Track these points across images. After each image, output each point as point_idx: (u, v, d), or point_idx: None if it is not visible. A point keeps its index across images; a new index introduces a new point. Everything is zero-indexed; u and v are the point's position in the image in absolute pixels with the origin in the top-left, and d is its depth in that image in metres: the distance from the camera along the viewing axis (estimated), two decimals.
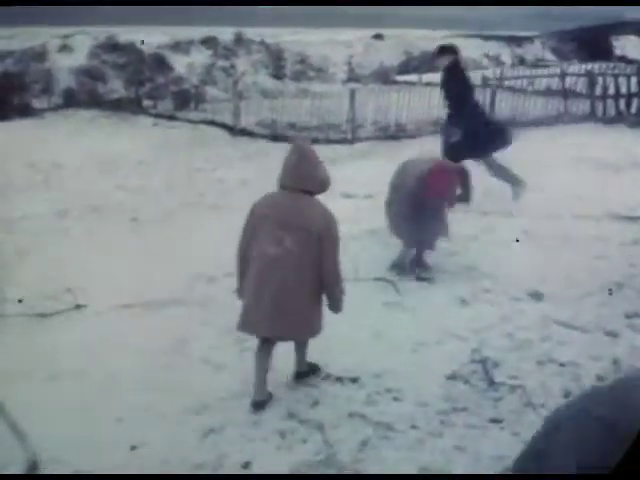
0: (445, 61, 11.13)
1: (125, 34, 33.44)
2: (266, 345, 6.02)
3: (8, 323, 7.66)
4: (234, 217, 11.43)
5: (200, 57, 32.87)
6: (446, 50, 11.28)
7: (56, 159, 15.98)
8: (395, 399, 6.03)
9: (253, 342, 6.73)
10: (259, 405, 5.96)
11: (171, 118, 23.19)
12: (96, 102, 26.22)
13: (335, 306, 5.99)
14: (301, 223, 5.69)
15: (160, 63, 30.88)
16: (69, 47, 30.98)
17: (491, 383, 6.24)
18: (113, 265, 9.21)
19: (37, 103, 26.44)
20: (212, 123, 21.64)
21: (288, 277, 5.69)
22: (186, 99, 26.56)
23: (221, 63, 33.06)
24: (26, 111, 24.70)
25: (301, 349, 6.32)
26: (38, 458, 5.13)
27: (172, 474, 5.13)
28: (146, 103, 26.78)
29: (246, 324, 5.91)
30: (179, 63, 31.32)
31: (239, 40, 35.81)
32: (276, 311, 5.72)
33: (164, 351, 6.95)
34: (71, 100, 26.86)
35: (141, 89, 28.35)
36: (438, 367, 6.52)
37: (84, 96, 27.32)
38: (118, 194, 13.45)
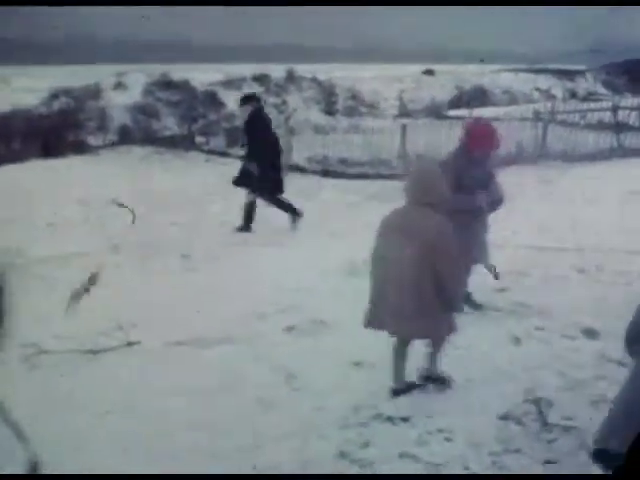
0: (247, 109, 12.63)
1: (178, 72, 33.88)
2: (401, 342, 6.68)
3: (59, 359, 7.71)
4: (285, 254, 11.59)
5: None
6: (248, 100, 12.84)
7: (110, 195, 16.14)
8: (446, 439, 5.96)
9: (303, 381, 6.74)
10: (397, 392, 6.68)
11: (223, 154, 23.39)
12: (150, 139, 26.57)
13: (454, 307, 6.52)
14: (419, 232, 6.19)
15: (212, 100, 31.21)
16: (124, 85, 31.48)
17: (545, 424, 6.14)
18: (164, 302, 9.26)
19: (92, 140, 26.86)
20: None
21: (408, 280, 6.21)
22: (239, 135, 26.75)
23: (273, 100, 33.33)
24: (81, 148, 25.11)
25: (433, 353, 6.80)
26: (39, 459, 5.10)
27: (172, 474, 5.11)
28: (199, 140, 27.05)
29: (372, 321, 6.57)
30: (231, 100, 31.58)
31: (290, 77, 36.12)
32: (398, 310, 6.32)
33: (214, 389, 6.93)
34: (125, 137, 27.24)
35: (194, 126, 28.66)
36: (490, 407, 6.43)
37: (138, 133, 27.69)
38: (170, 230, 13.57)
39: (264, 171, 13.04)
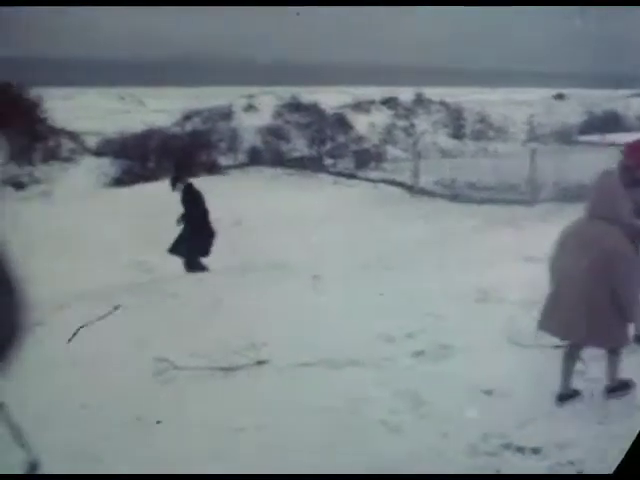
0: (180, 187, 13.93)
1: (307, 94, 34.31)
2: (573, 348, 6.92)
3: (191, 375, 7.88)
4: (411, 278, 11.58)
5: (380, 117, 33.32)
6: (176, 180, 14.15)
7: (240, 215, 16.47)
8: (578, 472, 5.84)
9: (430, 407, 6.72)
10: (563, 398, 6.88)
11: (351, 177, 23.57)
12: (279, 160, 26.97)
13: (629, 317, 6.58)
14: (596, 246, 6.39)
15: (341, 122, 31.48)
16: (254, 107, 32.07)
17: None
18: (295, 322, 9.37)
19: (223, 160, 27.43)
20: (391, 182, 21.83)
21: (582, 289, 6.42)
22: (366, 158, 26.95)
23: (401, 123, 33.40)
24: (212, 168, 25.68)
25: (612, 362, 6.84)
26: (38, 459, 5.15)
27: (172, 474, 5.13)
28: (327, 161, 27.33)
29: (545, 325, 6.90)
30: (360, 123, 31.82)
31: (419, 100, 36.13)
32: (570, 317, 6.53)
33: (340, 410, 6.97)
34: (255, 158, 27.74)
35: (322, 148, 28.97)
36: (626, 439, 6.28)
37: (268, 154, 28.16)
38: (300, 251, 13.72)
39: (194, 237, 13.64)
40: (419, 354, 8.39)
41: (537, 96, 49.81)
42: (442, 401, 7.04)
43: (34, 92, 26.99)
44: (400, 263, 12.65)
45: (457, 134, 34.68)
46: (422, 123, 33.90)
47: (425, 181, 21.00)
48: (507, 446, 6.24)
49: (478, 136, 34.83)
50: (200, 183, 22.06)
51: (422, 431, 6.23)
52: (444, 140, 32.54)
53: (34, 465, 4.23)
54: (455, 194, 20.14)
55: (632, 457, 2.17)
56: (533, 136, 36.44)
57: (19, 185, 22.99)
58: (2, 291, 2.53)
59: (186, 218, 13.71)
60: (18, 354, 2.59)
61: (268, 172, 24.58)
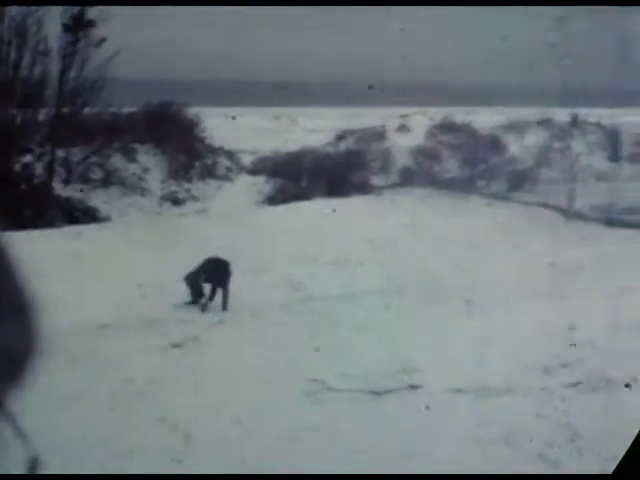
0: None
1: (461, 114, 34.05)
2: None
3: (341, 397, 7.90)
4: (568, 305, 11.28)
5: (535, 138, 32.71)
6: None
7: (392, 236, 16.46)
8: None
9: (588, 442, 6.51)
10: None
11: (504, 199, 23.23)
12: (431, 181, 26.85)
13: None
14: None
15: (494, 143, 31.07)
16: (407, 127, 32.03)
17: None
18: (447, 347, 9.28)
19: (375, 180, 27.51)
20: (545, 205, 21.40)
21: None
22: (520, 180, 26.49)
23: (556, 144, 32.71)
24: (365, 188, 25.79)
25: None
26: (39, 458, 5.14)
27: (172, 474, 5.04)
28: (480, 183, 27.03)
29: None
30: (513, 144, 31.32)
31: (575, 121, 35.29)
32: None
33: (495, 440, 6.84)
34: (407, 178, 27.68)
35: (475, 169, 28.67)
36: None
37: (420, 175, 28.05)
38: (452, 274, 13.60)
39: None
40: (576, 385, 8.17)
41: None
42: (601, 435, 6.81)
43: (193, 111, 27.76)
44: (556, 289, 12.35)
45: (614, 156, 33.68)
46: (578, 145, 33.11)
47: (580, 205, 20.49)
48: None
49: (636, 159, 33.72)
50: (353, 203, 22.36)
51: (581, 467, 6.03)
52: (600, 162, 31.67)
53: (35, 465, 4.30)
54: (611, 218, 19.57)
55: (632, 457, 2.09)
56: None
57: (177, 201, 23.67)
58: (18, 312, 2.59)
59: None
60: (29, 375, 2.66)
61: (419, 192, 24.51)
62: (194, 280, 12.17)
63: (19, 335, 2.72)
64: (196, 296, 12.24)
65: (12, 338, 2.72)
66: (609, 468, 6.10)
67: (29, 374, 2.83)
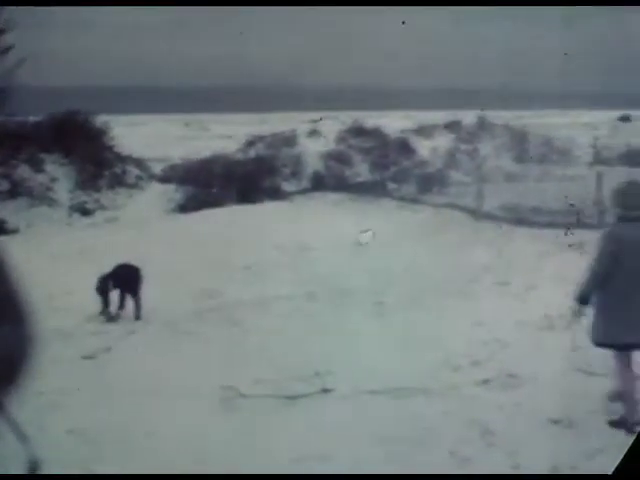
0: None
1: (370, 119, 34.38)
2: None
3: (254, 403, 7.91)
4: (477, 304, 11.49)
5: (443, 141, 33.19)
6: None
7: (303, 241, 16.51)
8: None
9: (499, 437, 6.63)
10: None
11: (414, 201, 23.49)
12: (342, 185, 27.00)
13: None
14: None
15: (404, 147, 31.42)
16: (318, 132, 32.14)
17: None
18: (360, 349, 9.36)
19: (287, 186, 27.55)
20: (455, 207, 21.70)
21: None
22: (429, 183, 26.83)
23: (464, 147, 33.23)
24: (276, 194, 25.81)
25: None
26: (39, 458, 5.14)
27: (172, 474, 5.09)
28: (390, 186, 27.29)
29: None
30: (423, 147, 31.75)
31: (482, 124, 35.89)
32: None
33: (407, 440, 6.92)
34: (318, 183, 27.77)
35: (385, 172, 28.95)
36: None
37: (331, 180, 28.18)
38: (363, 277, 13.70)
39: None
40: (486, 382, 8.31)
41: (602, 118, 49.24)
42: (510, 431, 6.95)
43: (100, 120, 27.40)
44: (465, 289, 12.57)
45: (521, 157, 34.34)
46: (485, 147, 33.69)
47: (489, 205, 20.82)
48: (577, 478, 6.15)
49: (542, 159, 34.44)
50: (264, 208, 22.37)
51: (491, 462, 6.14)
52: (508, 164, 32.24)
53: (35, 465, 4.25)
54: (520, 218, 19.92)
55: (632, 457, 2.17)
56: (598, 159, 35.95)
57: (86, 211, 23.31)
58: (12, 318, 2.58)
59: None
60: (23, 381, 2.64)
61: (331, 197, 24.62)
62: (103, 286, 11.89)
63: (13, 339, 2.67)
64: (105, 303, 11.93)
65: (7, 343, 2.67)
66: (518, 462, 6.27)
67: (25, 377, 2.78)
